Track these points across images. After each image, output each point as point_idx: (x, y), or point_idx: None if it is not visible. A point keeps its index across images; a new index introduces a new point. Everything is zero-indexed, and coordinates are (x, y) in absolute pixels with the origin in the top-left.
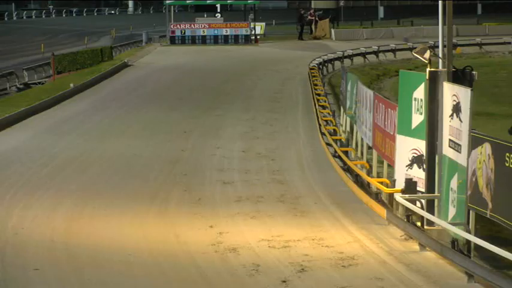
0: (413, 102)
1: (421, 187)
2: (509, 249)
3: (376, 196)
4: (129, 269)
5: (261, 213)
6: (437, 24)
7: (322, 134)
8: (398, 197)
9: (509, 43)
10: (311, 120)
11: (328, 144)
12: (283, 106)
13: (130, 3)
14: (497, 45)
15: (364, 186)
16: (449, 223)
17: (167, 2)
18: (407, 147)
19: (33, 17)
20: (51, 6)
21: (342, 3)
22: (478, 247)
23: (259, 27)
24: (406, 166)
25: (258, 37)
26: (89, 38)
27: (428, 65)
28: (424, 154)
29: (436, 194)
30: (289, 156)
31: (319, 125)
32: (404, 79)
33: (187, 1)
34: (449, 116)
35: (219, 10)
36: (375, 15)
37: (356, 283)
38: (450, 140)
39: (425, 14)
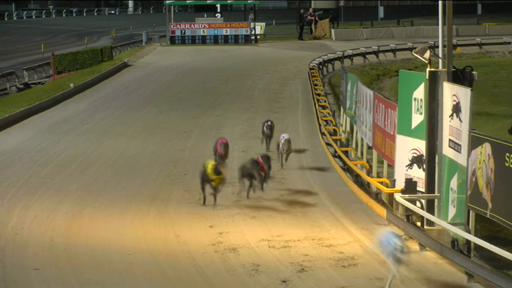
0: (413, 102)
1: (421, 187)
2: (509, 249)
3: (376, 196)
4: (129, 269)
5: (261, 213)
6: (437, 24)
7: (322, 134)
8: (398, 197)
9: (509, 43)
10: (311, 120)
11: (328, 144)
12: (283, 106)
13: (130, 3)
14: (497, 45)
15: (364, 186)
16: (449, 223)
17: (167, 2)
18: (407, 147)
19: (33, 17)
20: (51, 6)
21: (342, 3)
22: (478, 247)
23: (259, 27)
24: (406, 166)
25: (258, 37)
26: (88, 38)
27: (428, 65)
28: (424, 154)
29: (436, 194)
30: (289, 156)
31: (319, 125)
32: (404, 79)
33: (187, 1)
34: (449, 116)
35: (219, 10)
36: (375, 15)
37: (356, 283)
38: (450, 140)
39: (425, 14)
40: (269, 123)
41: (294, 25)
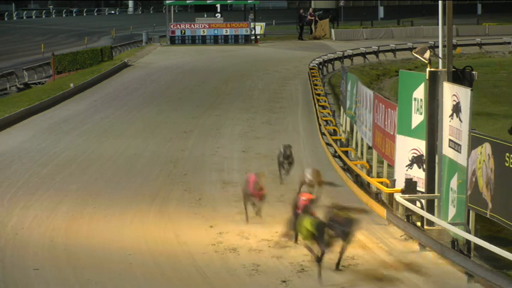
0: (413, 102)
1: (421, 187)
2: (509, 249)
3: (376, 196)
4: (129, 269)
5: (261, 213)
6: (437, 24)
7: (322, 134)
8: (398, 197)
9: (509, 43)
10: (311, 120)
11: (328, 144)
12: (283, 106)
13: (130, 3)
14: (497, 45)
15: (364, 186)
16: (449, 223)
17: (167, 2)
18: (407, 147)
19: (33, 17)
20: (51, 6)
21: (342, 3)
22: (478, 247)
23: (259, 27)
24: (406, 166)
25: (258, 37)
26: (88, 38)
27: (428, 65)
28: (424, 154)
29: (436, 194)
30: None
31: (319, 125)
32: (404, 79)
33: (187, 1)
34: (449, 116)
35: (219, 10)
36: (375, 15)
37: (356, 283)
38: (450, 140)
39: (425, 14)
40: (287, 152)
41: (294, 25)
